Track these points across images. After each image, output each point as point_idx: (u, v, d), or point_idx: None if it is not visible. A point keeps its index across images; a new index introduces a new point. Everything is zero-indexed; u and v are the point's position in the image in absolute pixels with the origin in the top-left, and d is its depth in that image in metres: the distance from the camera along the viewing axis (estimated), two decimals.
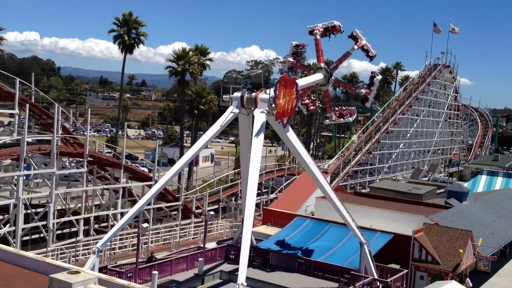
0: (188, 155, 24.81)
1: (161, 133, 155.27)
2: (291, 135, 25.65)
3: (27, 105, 32.03)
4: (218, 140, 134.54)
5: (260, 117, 24.20)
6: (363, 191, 55.48)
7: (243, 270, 19.09)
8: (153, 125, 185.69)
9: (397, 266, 29.96)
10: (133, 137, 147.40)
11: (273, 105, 24.26)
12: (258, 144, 23.48)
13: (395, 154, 75.80)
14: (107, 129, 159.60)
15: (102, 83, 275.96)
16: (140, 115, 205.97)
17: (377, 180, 65.11)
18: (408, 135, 78.61)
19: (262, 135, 23.76)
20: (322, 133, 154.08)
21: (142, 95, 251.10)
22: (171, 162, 77.31)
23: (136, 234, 24.91)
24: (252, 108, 24.67)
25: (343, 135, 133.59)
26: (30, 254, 19.84)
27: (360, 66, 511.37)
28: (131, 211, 24.03)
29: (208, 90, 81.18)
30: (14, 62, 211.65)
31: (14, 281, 18.32)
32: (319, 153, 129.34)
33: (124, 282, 18.34)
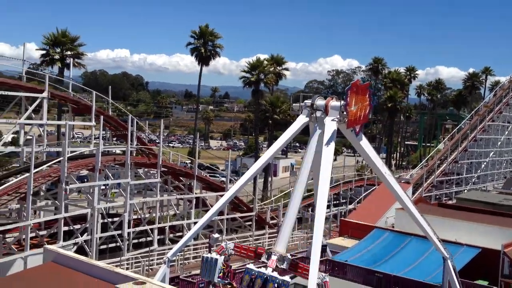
0: (257, 164, 24.21)
1: (242, 143, 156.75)
2: (365, 143, 24.39)
3: (101, 116, 32.84)
4: (299, 150, 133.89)
5: (330, 125, 23.17)
6: (449, 202, 52.63)
7: (313, 285, 18.23)
8: (234, 136, 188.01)
9: (485, 283, 27.84)
10: (215, 148, 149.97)
11: (345, 113, 23.16)
12: (328, 153, 22.48)
13: (485, 163, 71.63)
14: (190, 141, 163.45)
15: (187, 96, 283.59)
16: (222, 127, 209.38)
17: (465, 191, 61.68)
18: (499, 143, 74.06)
19: (333, 144, 22.74)
20: (407, 142, 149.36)
21: (225, 107, 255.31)
22: None
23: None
24: (323, 117, 23.72)
25: (429, 144, 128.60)
26: (100, 263, 20.01)
27: (448, 73, 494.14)
28: (201, 221, 23.77)
29: (283, 99, 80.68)
30: (106, 78, 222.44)
31: None
32: (404, 163, 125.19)
33: None
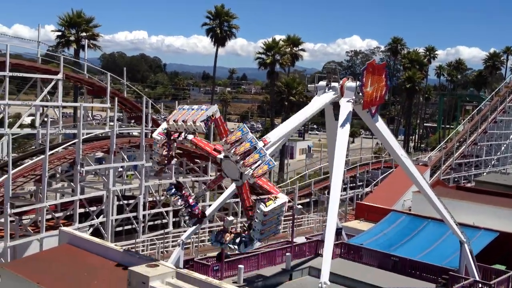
0: (270, 146, 23.76)
1: (260, 126, 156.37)
2: (381, 125, 23.98)
3: (116, 98, 32.76)
4: (317, 132, 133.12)
5: (346, 106, 22.77)
6: (468, 185, 51.94)
7: (326, 268, 17.98)
8: (252, 118, 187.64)
9: (503, 267, 27.33)
10: (232, 130, 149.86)
11: (360, 94, 22.69)
12: (343, 134, 22.12)
13: (505, 145, 70.44)
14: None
15: (205, 78, 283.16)
16: (240, 109, 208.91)
17: (484, 174, 60.81)
18: None
19: (348, 125, 22.35)
20: (426, 124, 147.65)
21: (242, 89, 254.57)
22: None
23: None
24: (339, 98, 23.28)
25: (449, 126, 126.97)
26: (114, 245, 20.08)
27: (469, 53, 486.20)
28: (215, 203, 23.65)
29: (299, 80, 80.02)
30: (124, 60, 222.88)
31: (97, 272, 18.55)
32: (422, 145, 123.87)
33: (202, 276, 17.99)
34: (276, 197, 15.05)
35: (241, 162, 14.82)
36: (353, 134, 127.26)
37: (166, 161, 17.46)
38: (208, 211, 23.28)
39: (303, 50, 69.48)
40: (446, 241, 28.74)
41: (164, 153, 17.05)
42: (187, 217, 17.79)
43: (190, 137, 16.82)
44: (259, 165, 14.87)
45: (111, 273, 18.36)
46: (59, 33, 57.95)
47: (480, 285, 24.74)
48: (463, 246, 25.19)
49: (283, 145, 69.20)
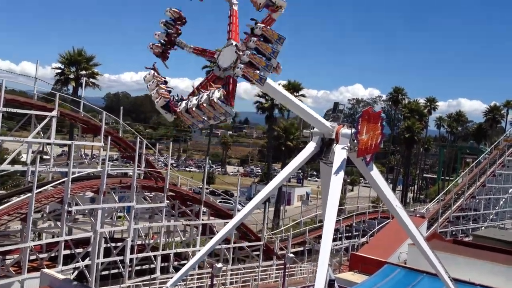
0: (264, 192, 23.22)
1: (259, 170, 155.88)
2: (375, 174, 23.44)
3: (109, 137, 32.38)
4: (316, 178, 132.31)
5: (340, 153, 22.33)
6: (466, 239, 50.94)
7: None
8: (252, 162, 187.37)
9: None
10: (231, 174, 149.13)
11: (355, 141, 22.30)
12: (337, 182, 21.61)
13: (503, 199, 69.64)
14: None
15: None
16: (241, 152, 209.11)
17: (482, 228, 59.79)
18: None
19: (342, 173, 21.84)
20: (426, 175, 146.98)
21: (244, 133, 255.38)
22: (267, 200, 76.37)
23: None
24: (334, 144, 22.87)
25: (449, 178, 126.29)
26: None
27: (470, 105, 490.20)
28: (204, 249, 22.77)
29: (298, 126, 79.95)
30: (128, 100, 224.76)
31: None
32: (421, 196, 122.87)
33: None
34: None
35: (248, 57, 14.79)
36: (352, 183, 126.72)
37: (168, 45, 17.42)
38: (197, 256, 22.50)
39: (303, 95, 69.53)
40: None
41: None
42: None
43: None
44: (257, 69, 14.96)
45: None
46: (59, 71, 58.06)
47: None
48: None
49: (279, 191, 68.63)
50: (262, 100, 66.87)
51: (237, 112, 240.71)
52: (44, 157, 36.00)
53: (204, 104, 15.60)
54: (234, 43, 16.06)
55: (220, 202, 53.18)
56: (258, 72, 15.17)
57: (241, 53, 15.30)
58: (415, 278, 30.78)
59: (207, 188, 42.95)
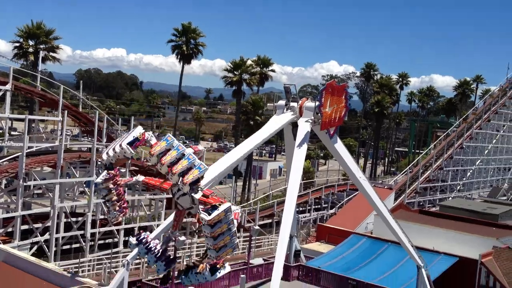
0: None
1: (233, 145, 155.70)
2: (339, 146, 23.56)
3: (66, 111, 31.69)
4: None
5: (304, 126, 22.30)
6: (433, 209, 51.84)
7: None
8: (226, 138, 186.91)
9: None
10: (204, 149, 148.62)
11: (319, 114, 22.22)
12: (300, 155, 21.67)
13: (471, 171, 70.95)
14: (180, 141, 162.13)
15: (181, 97, 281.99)
16: (214, 128, 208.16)
17: (449, 198, 60.94)
18: (486, 151, 73.44)
19: (305, 146, 21.91)
20: (398, 148, 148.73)
21: (218, 109, 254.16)
22: (239, 174, 76.36)
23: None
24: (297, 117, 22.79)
25: (420, 151, 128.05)
26: (49, 265, 19.04)
27: (442, 81, 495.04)
28: (167, 221, 22.65)
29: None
30: (100, 76, 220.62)
31: None
32: (393, 169, 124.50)
33: None
34: (220, 203, 13.93)
35: (170, 171, 13.76)
36: (325, 157, 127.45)
37: (121, 207, 16.03)
38: (159, 228, 22.33)
39: (272, 70, 68.97)
40: (405, 265, 28.30)
41: (114, 198, 15.60)
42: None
43: (141, 178, 15.74)
44: (188, 170, 13.75)
45: None
46: (17, 44, 56.19)
47: None
48: (420, 270, 24.83)
49: (250, 165, 68.62)
50: (230, 74, 66.10)
51: (211, 88, 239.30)
52: (13, 133, 35.13)
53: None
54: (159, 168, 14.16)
55: None
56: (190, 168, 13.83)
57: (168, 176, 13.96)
58: (380, 246, 31.30)
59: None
